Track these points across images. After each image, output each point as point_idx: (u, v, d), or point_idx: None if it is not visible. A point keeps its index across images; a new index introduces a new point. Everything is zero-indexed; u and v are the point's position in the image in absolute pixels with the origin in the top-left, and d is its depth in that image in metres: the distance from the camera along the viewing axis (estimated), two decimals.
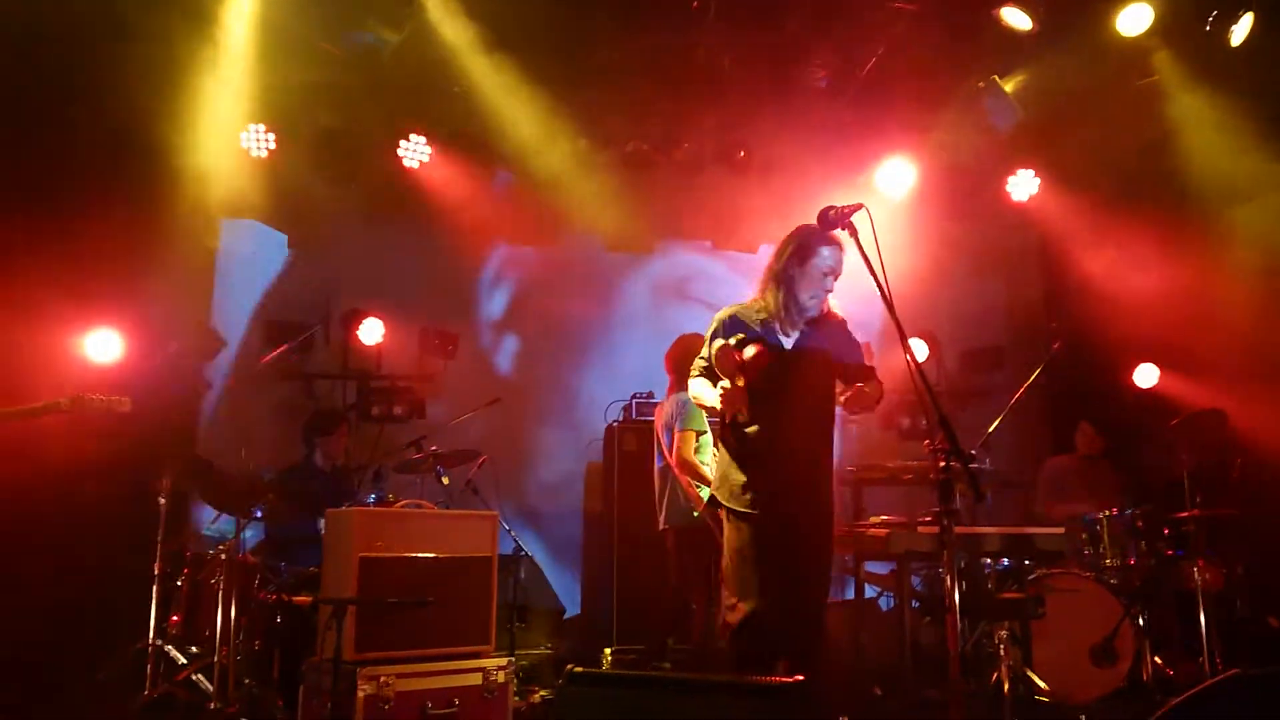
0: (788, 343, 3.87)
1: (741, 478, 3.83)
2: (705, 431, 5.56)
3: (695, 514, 5.43)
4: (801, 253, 3.82)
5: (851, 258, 3.60)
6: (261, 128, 6.81)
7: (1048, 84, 6.50)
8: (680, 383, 5.75)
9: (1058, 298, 8.07)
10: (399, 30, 5.78)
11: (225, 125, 6.51)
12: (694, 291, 7.88)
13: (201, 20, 6.00)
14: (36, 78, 5.87)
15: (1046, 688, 5.18)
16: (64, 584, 5.84)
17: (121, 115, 6.16)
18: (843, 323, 4.01)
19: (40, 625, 5.69)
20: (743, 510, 3.80)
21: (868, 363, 4.07)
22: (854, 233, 3.35)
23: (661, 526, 5.69)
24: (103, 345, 6.07)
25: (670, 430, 5.56)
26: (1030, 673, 5.20)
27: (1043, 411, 8.18)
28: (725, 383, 3.71)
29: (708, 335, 3.98)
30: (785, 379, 3.79)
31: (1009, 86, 6.52)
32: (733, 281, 7.65)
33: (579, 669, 2.31)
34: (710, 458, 5.64)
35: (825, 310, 3.92)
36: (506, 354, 7.66)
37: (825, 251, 3.80)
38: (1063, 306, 7.74)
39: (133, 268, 6.22)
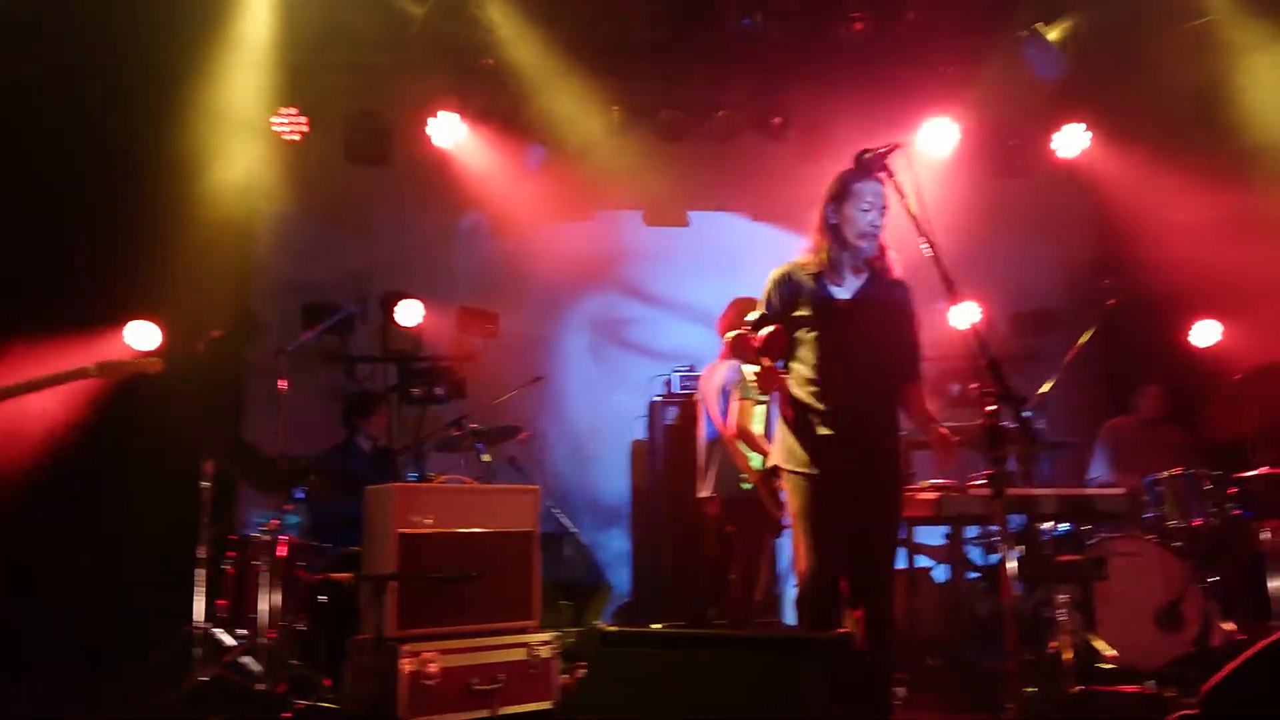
0: (843, 294, 3.74)
1: (799, 436, 3.71)
2: (765, 401, 5.44)
3: (746, 485, 5.32)
4: (839, 195, 3.71)
5: (894, 206, 3.45)
6: (294, 111, 6.80)
7: (1094, 31, 6.25)
8: (732, 348, 5.62)
9: (1111, 255, 7.79)
10: (422, 3, 5.70)
11: (255, 109, 6.51)
12: (734, 262, 7.74)
13: (222, 8, 6.02)
14: (67, 75, 5.92)
15: (1111, 654, 5.00)
16: (115, 570, 5.92)
17: (151, 105, 6.19)
18: (908, 292, 3.86)
19: (92, 611, 5.76)
20: (799, 470, 3.69)
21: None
22: (892, 175, 3.21)
23: (704, 494, 5.57)
24: (141, 335, 6.10)
25: (726, 396, 5.44)
26: (1093, 639, 5.02)
27: (1099, 373, 7.93)
28: (755, 367, 3.64)
29: (763, 297, 3.87)
30: (840, 331, 3.67)
31: (1053, 35, 6.27)
32: (773, 249, 7.49)
33: (611, 629, 2.21)
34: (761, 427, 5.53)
35: (888, 265, 3.79)
36: (547, 331, 7.59)
37: (860, 187, 3.66)
38: (1117, 264, 7.46)
39: (170, 256, 6.25)
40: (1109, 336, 6.90)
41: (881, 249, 3.76)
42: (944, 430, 3.78)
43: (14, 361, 3.70)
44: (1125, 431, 6.57)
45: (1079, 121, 7.42)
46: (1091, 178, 7.70)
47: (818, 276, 3.75)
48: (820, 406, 3.67)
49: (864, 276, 3.77)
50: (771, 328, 3.58)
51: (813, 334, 3.68)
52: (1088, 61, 6.65)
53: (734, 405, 5.37)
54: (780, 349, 3.62)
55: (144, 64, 6.10)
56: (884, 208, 3.69)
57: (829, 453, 3.64)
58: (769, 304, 3.80)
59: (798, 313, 3.72)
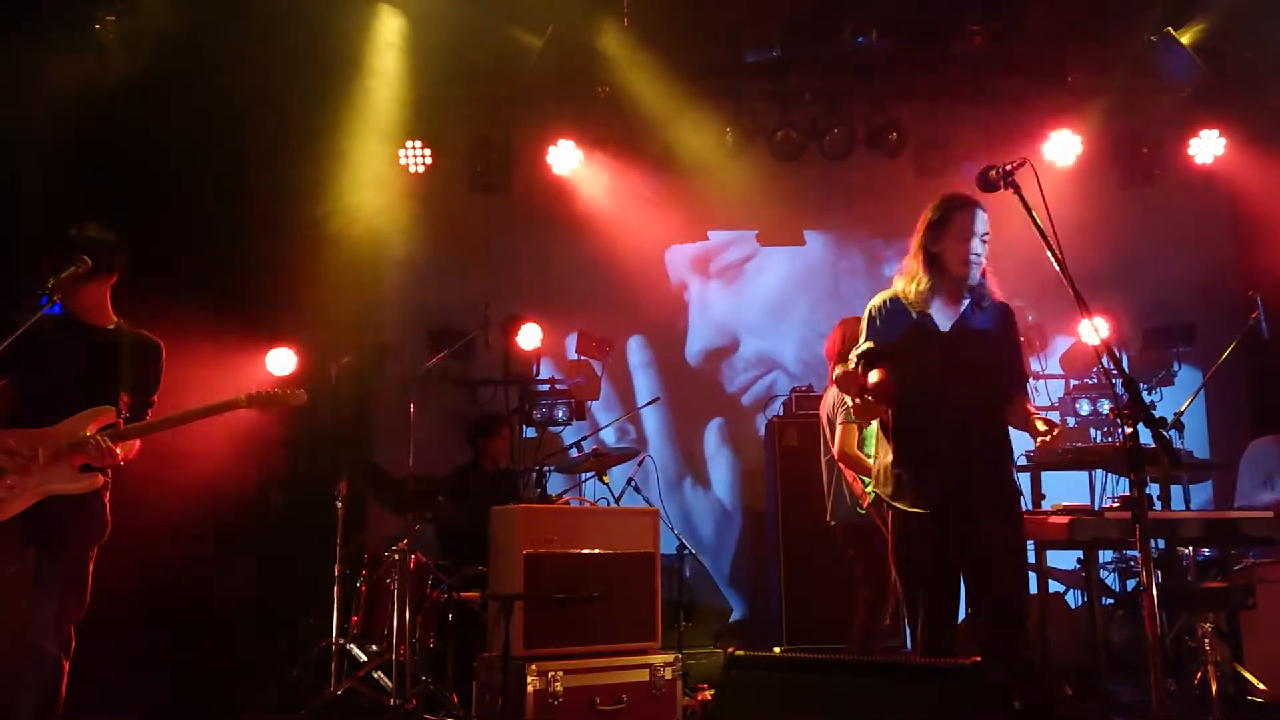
0: (945, 323, 3.66)
1: (902, 472, 3.64)
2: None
3: (861, 510, 5.24)
4: (939, 223, 3.63)
5: (1019, 222, 3.36)
6: (418, 143, 7.06)
7: (1229, 31, 5.99)
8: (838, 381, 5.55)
9: (1253, 265, 7.42)
10: (541, 35, 5.86)
11: (383, 141, 6.78)
12: (850, 280, 7.67)
13: (351, 50, 6.31)
14: (208, 128, 6.27)
15: (1263, 687, 4.73)
16: (260, 588, 6.20)
17: (292, 148, 6.52)
18: (1009, 313, 3.77)
19: (243, 625, 6.03)
20: (904, 507, 3.62)
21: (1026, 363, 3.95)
22: (1019, 192, 3.14)
23: (829, 521, 5.51)
24: (281, 361, 6.41)
25: (833, 422, 5.39)
26: (1241, 670, 4.77)
27: (1243, 389, 7.55)
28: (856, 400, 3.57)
29: (863, 323, 3.80)
30: (941, 364, 3.60)
31: (1186, 39, 6.04)
32: (888, 267, 7.41)
33: (740, 652, 2.22)
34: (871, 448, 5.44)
35: (991, 290, 3.70)
36: (664, 353, 7.64)
37: (961, 216, 3.59)
38: (1259, 273, 7.10)
39: (305, 285, 6.54)
40: (1253, 351, 6.57)
41: (982, 273, 3.67)
42: (1045, 418, 3.59)
43: (169, 389, 3.90)
44: (1273, 450, 6.21)
45: (1214, 126, 7.12)
46: (1229, 184, 7.37)
47: (918, 307, 3.68)
48: (923, 440, 3.61)
49: (964, 304, 3.68)
50: (879, 373, 3.54)
51: (914, 365, 3.59)
52: (1224, 62, 6.37)
53: (839, 430, 5.32)
54: (889, 395, 3.55)
55: (278, 100, 6.43)
56: (985, 235, 3.61)
57: (934, 488, 3.56)
58: (871, 331, 3.73)
59: (899, 341, 3.64)
